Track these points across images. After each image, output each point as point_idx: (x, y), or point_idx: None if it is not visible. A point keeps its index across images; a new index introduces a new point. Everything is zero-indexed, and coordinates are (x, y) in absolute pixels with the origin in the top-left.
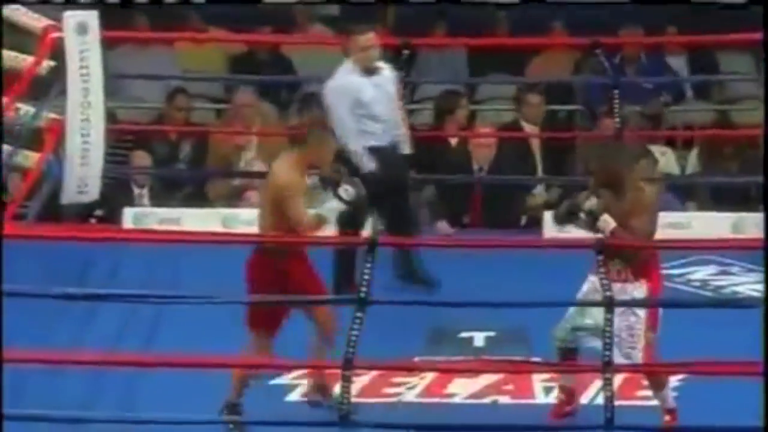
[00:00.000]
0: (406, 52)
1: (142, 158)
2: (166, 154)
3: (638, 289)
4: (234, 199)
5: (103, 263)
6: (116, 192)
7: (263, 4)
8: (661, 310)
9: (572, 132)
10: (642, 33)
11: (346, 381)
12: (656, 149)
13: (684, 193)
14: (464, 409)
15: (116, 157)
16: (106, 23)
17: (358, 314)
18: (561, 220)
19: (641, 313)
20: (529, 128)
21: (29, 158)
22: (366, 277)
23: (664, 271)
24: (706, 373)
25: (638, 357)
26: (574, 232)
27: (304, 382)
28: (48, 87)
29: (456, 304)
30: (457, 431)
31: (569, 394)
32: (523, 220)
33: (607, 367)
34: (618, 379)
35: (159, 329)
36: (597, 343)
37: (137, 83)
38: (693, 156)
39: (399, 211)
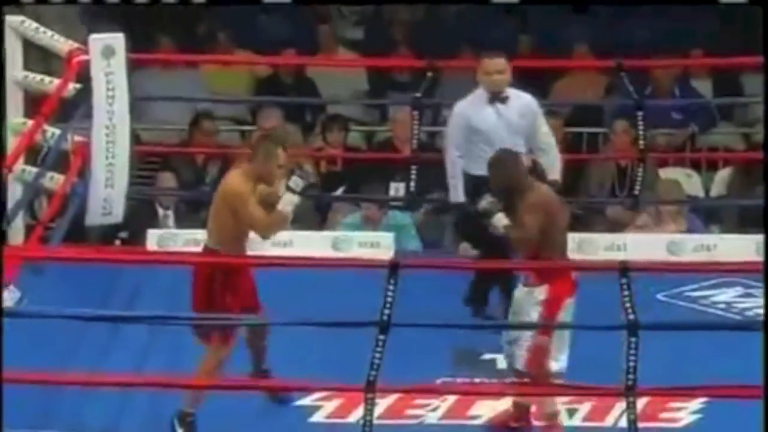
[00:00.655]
0: (430, 74)
1: (167, 180)
2: (192, 176)
3: (541, 294)
4: None
5: (127, 285)
6: (141, 213)
7: (287, 28)
8: (564, 316)
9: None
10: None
11: (369, 403)
12: (681, 172)
13: (709, 215)
14: None
15: (141, 178)
16: (131, 45)
17: (381, 337)
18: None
19: (534, 316)
20: None
21: (55, 180)
22: (389, 299)
23: (691, 293)
24: (727, 396)
25: (521, 359)
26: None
27: (326, 403)
28: (74, 109)
29: (479, 326)
30: None
31: (522, 412)
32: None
33: (630, 391)
34: (641, 402)
35: (183, 350)
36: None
37: (163, 105)
38: (718, 178)
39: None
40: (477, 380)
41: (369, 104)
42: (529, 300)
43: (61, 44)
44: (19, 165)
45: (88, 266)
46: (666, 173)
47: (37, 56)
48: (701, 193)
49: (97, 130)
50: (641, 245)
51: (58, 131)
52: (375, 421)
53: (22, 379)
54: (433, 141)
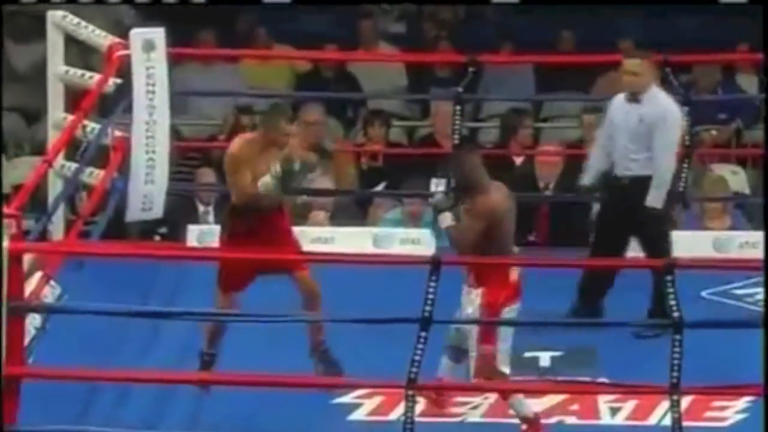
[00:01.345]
0: (471, 69)
1: (207, 175)
2: None
3: (477, 296)
4: (300, 217)
5: (167, 281)
6: (180, 209)
7: (328, 23)
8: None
9: None
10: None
11: (410, 401)
12: (727, 168)
13: (754, 212)
14: None
15: (181, 174)
16: (172, 40)
17: (422, 333)
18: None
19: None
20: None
21: (95, 175)
22: (430, 296)
23: (737, 291)
24: None
25: (472, 369)
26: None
27: (367, 401)
28: (114, 104)
29: (521, 323)
30: None
31: (533, 423)
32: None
33: (675, 389)
34: (685, 400)
35: (223, 347)
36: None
37: (202, 101)
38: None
39: (647, 241)
40: (519, 378)
41: (410, 99)
42: (468, 300)
43: (102, 39)
44: (59, 160)
45: (127, 262)
46: (712, 170)
47: (78, 51)
48: (747, 190)
49: (137, 126)
50: (687, 242)
51: (98, 126)
52: (416, 419)
53: (62, 375)
54: (475, 136)
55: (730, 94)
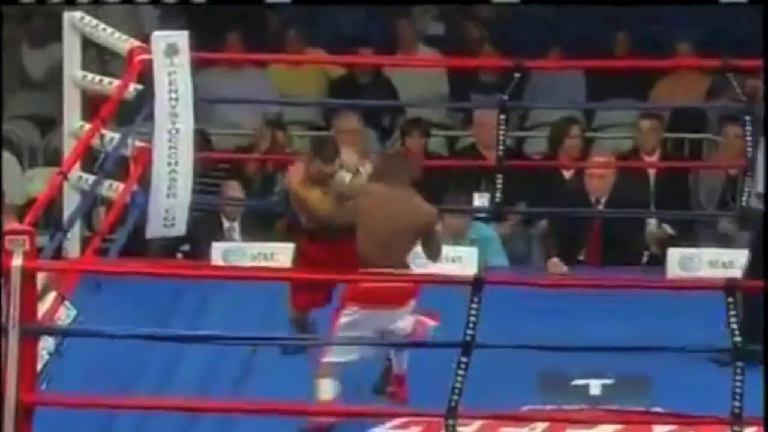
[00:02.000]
0: (517, 74)
1: (233, 189)
2: (260, 185)
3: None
4: None
5: (190, 302)
6: (205, 225)
7: (363, 24)
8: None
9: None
10: None
11: (450, 430)
12: None
13: None
14: None
15: (205, 187)
16: (196, 44)
17: (463, 359)
18: None
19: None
20: (646, 157)
21: (114, 188)
22: (472, 318)
23: None
24: None
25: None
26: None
27: (405, 431)
28: (134, 112)
29: (570, 348)
30: None
31: None
32: (645, 258)
33: (737, 420)
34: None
35: (250, 371)
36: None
37: (229, 108)
38: None
39: None
40: (567, 407)
41: (452, 107)
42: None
43: (122, 42)
44: (76, 172)
45: (148, 282)
46: None
47: (96, 55)
48: None
49: (159, 135)
50: None
51: (117, 136)
52: None
53: (77, 402)
54: (521, 147)
55: None
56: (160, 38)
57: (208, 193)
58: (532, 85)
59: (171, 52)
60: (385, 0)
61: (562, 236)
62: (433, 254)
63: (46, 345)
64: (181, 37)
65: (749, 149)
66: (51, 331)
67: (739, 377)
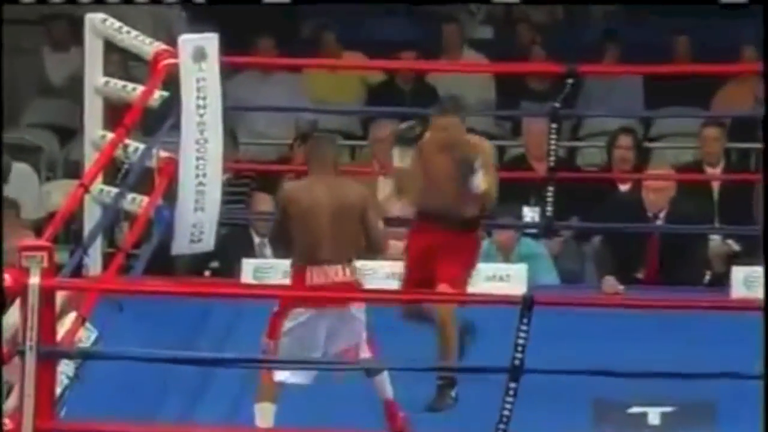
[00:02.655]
0: (570, 81)
1: (264, 202)
2: None
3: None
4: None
5: (218, 322)
6: (234, 241)
7: (405, 27)
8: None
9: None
10: None
11: None
12: None
13: None
14: None
15: (235, 200)
16: (226, 48)
17: (512, 384)
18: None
19: None
20: (709, 169)
21: (137, 202)
22: (521, 341)
23: None
24: None
25: None
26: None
27: None
28: (160, 121)
29: (627, 374)
30: None
31: None
32: (707, 276)
33: None
34: None
35: (281, 398)
36: None
37: (261, 116)
38: None
39: None
40: None
41: (499, 115)
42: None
43: (147, 46)
44: (97, 184)
45: (174, 301)
46: None
47: (119, 60)
48: None
49: (186, 145)
50: None
51: (141, 146)
52: None
53: (98, 430)
54: (573, 158)
55: None
56: (188, 42)
57: (233, 203)
58: (586, 92)
59: (199, 57)
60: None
61: (618, 253)
62: (373, 244)
63: (65, 369)
64: (210, 41)
65: None
66: (70, 354)
67: None
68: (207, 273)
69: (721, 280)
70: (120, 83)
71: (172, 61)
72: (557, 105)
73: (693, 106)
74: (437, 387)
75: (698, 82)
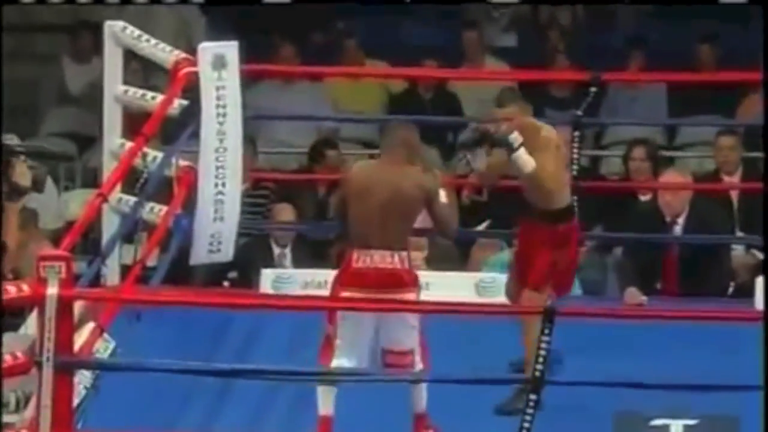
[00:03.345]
0: (593, 88)
1: (284, 212)
2: (313, 208)
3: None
4: None
5: (238, 333)
6: (254, 251)
7: (427, 34)
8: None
9: None
10: None
11: None
12: None
13: None
14: None
15: (255, 209)
16: (247, 55)
17: (532, 396)
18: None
19: None
20: (726, 178)
21: (156, 211)
22: (542, 352)
23: None
24: None
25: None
26: None
27: None
28: (179, 130)
29: (649, 385)
30: None
31: None
32: (731, 287)
33: None
34: None
35: (302, 409)
36: None
37: (282, 125)
38: None
39: None
40: None
41: None
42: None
43: (166, 54)
44: (116, 194)
45: (193, 311)
46: None
47: (138, 68)
48: None
49: (205, 154)
50: None
51: (160, 155)
52: None
53: None
54: (596, 167)
55: None
56: (208, 49)
57: (253, 213)
58: (610, 100)
59: (219, 65)
60: None
61: (640, 264)
62: (445, 227)
63: (83, 380)
64: (230, 49)
65: None
66: (88, 365)
67: None
68: (226, 283)
69: (746, 291)
70: (139, 92)
71: (191, 69)
72: (580, 113)
73: (717, 115)
74: (515, 390)
75: (724, 90)
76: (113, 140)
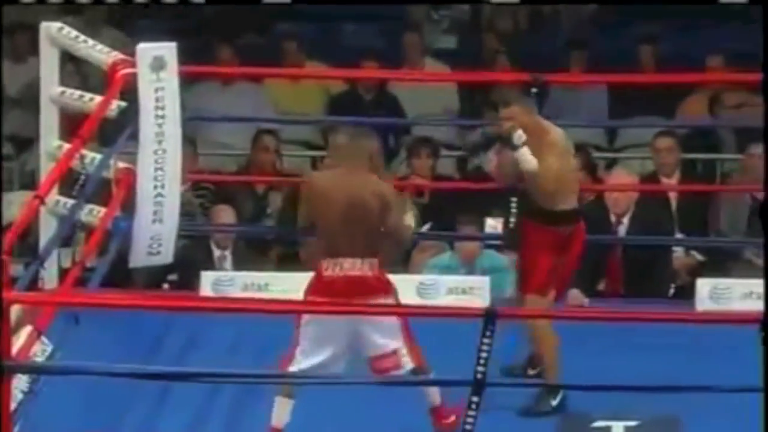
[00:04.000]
0: (534, 90)
1: (224, 214)
2: (253, 209)
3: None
4: None
5: (178, 336)
6: (193, 253)
7: (367, 36)
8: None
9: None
10: None
11: None
12: None
13: None
14: None
15: (194, 212)
16: (185, 57)
17: (474, 398)
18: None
19: None
20: (665, 179)
21: (95, 214)
22: (484, 354)
23: None
24: None
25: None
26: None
27: None
28: (117, 131)
29: (591, 387)
30: None
31: None
32: (672, 289)
33: None
34: None
35: (243, 413)
36: None
37: (220, 126)
38: None
39: None
40: None
41: (462, 125)
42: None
43: (104, 55)
44: (53, 196)
45: (132, 314)
46: None
47: (75, 70)
48: None
49: (144, 156)
50: None
51: (98, 156)
52: None
53: None
54: None
55: None
56: (146, 50)
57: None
58: (552, 102)
59: (157, 66)
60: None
61: (584, 265)
62: (397, 236)
63: (20, 384)
64: (168, 50)
65: None
66: (26, 369)
67: None
68: (165, 286)
69: (686, 293)
70: (76, 93)
71: (129, 70)
72: None
73: (658, 116)
74: (538, 392)
75: (664, 92)
76: (50, 142)
